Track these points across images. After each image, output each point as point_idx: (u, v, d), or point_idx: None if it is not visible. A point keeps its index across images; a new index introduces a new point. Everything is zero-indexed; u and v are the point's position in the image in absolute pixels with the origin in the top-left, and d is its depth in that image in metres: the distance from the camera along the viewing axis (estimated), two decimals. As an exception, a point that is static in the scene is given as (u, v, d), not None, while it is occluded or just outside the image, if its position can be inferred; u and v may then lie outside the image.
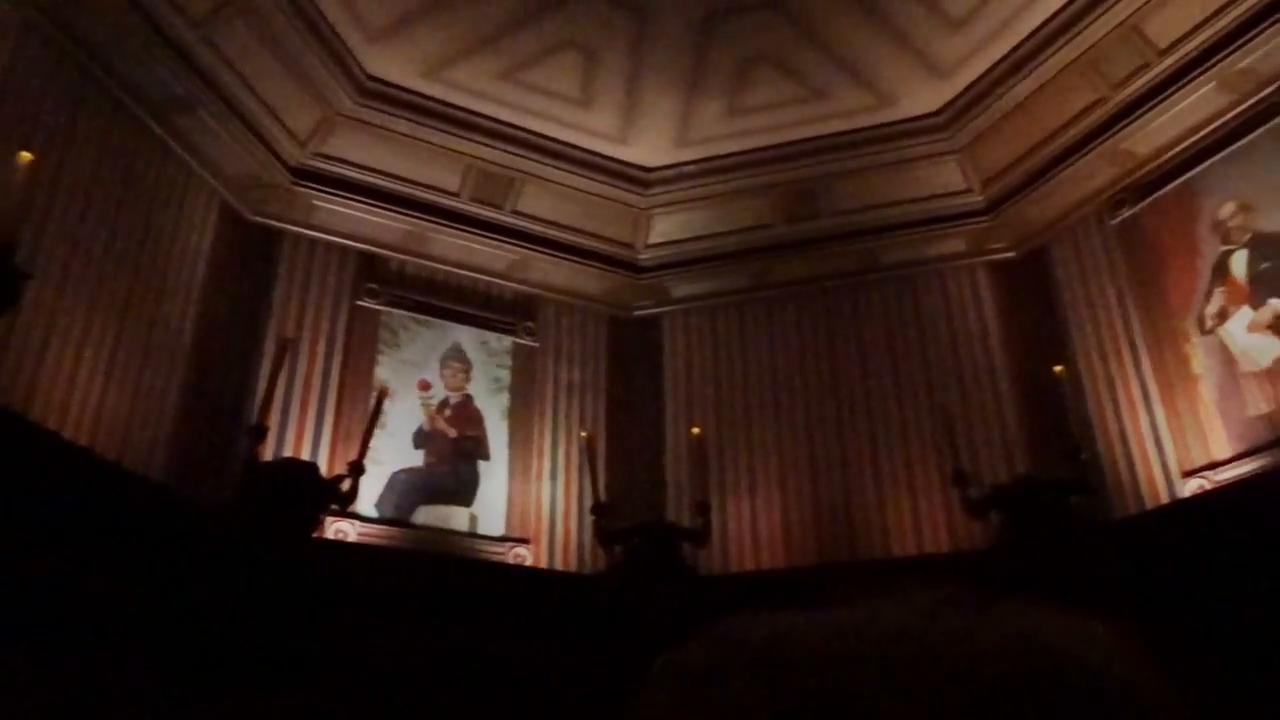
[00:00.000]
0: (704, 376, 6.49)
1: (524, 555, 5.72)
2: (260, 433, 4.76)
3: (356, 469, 4.79)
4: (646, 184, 6.53)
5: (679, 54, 5.60)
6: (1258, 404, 4.69)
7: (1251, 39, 4.78)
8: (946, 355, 6.06)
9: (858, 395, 6.12)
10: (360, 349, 5.80)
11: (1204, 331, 5.01)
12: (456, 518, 5.61)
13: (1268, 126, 4.85)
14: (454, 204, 6.19)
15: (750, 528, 5.96)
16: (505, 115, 6.05)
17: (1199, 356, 5.01)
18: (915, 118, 6.07)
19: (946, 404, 5.59)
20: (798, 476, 6.02)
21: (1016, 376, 5.86)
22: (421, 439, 5.72)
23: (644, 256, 6.74)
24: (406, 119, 5.89)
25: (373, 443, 5.08)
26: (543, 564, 5.80)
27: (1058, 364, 5.19)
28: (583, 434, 5.87)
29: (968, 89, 5.85)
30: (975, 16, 5.38)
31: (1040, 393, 5.45)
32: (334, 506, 4.82)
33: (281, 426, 5.30)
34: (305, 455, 5.28)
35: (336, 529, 5.18)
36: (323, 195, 5.82)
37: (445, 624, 4.82)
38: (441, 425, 5.82)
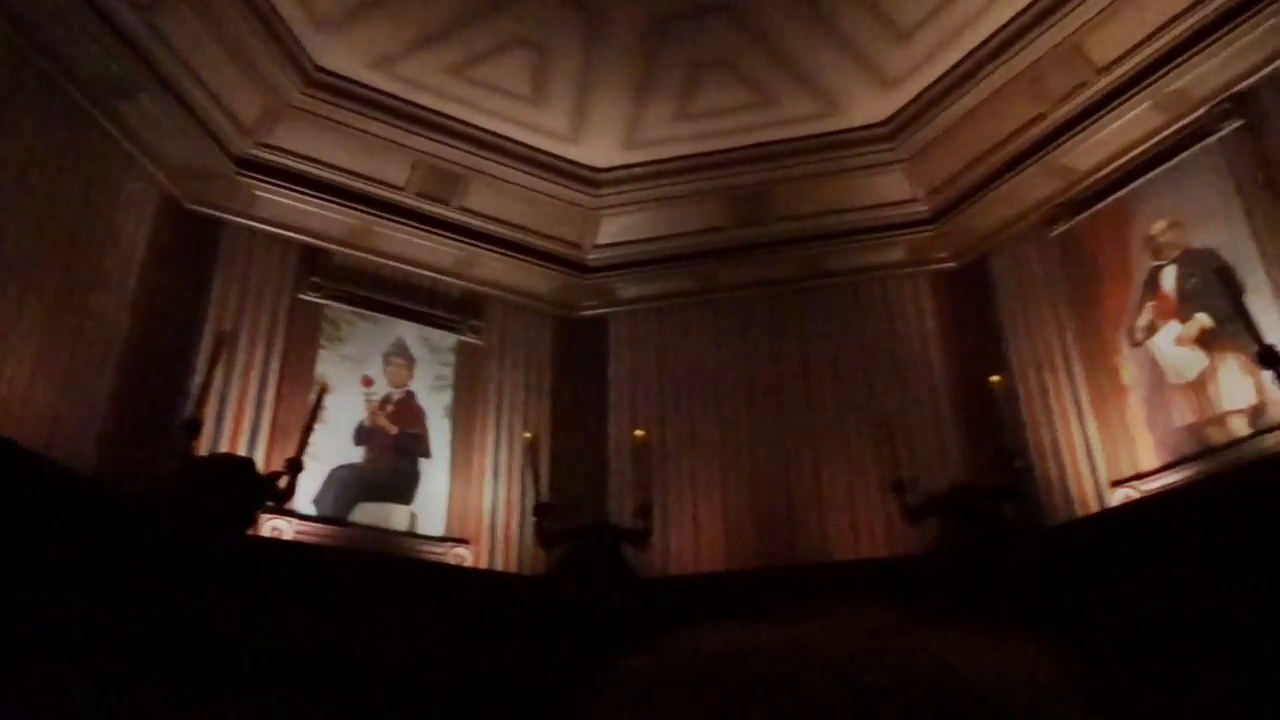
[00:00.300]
0: (649, 379, 6.51)
1: (464, 555, 5.68)
2: (195, 427, 4.67)
3: (294, 466, 4.73)
4: (596, 184, 6.52)
5: (631, 55, 5.60)
6: (1183, 415, 4.83)
7: (1185, 62, 4.92)
8: (887, 363, 6.15)
9: (800, 401, 6.19)
10: (301, 343, 5.72)
11: (1134, 344, 5.15)
12: (396, 515, 5.56)
13: (1198, 147, 5.00)
14: (400, 198, 6.13)
15: (692, 530, 5.99)
16: (455, 111, 6.01)
17: (1129, 368, 5.15)
18: (862, 127, 6.15)
19: (886, 411, 5.68)
20: (739, 480, 6.06)
21: (955, 385, 5.97)
22: (362, 435, 5.66)
23: (592, 257, 6.74)
24: (354, 111, 5.81)
25: (312, 438, 5.02)
26: (483, 564, 5.77)
27: (995, 374, 5.29)
28: (526, 435, 5.86)
29: (914, 100, 5.94)
30: (922, 29, 5.47)
31: (977, 402, 5.55)
32: (270, 503, 4.75)
33: (218, 421, 5.21)
34: (242, 451, 5.19)
35: (272, 526, 5.11)
36: (266, 186, 5.72)
37: (383, 624, 4.78)
38: (383, 421, 5.76)
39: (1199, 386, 4.79)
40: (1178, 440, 4.83)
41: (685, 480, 6.14)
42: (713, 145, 6.30)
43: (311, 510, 5.30)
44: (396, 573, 5.25)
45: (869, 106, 6.02)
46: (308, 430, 4.87)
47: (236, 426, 5.30)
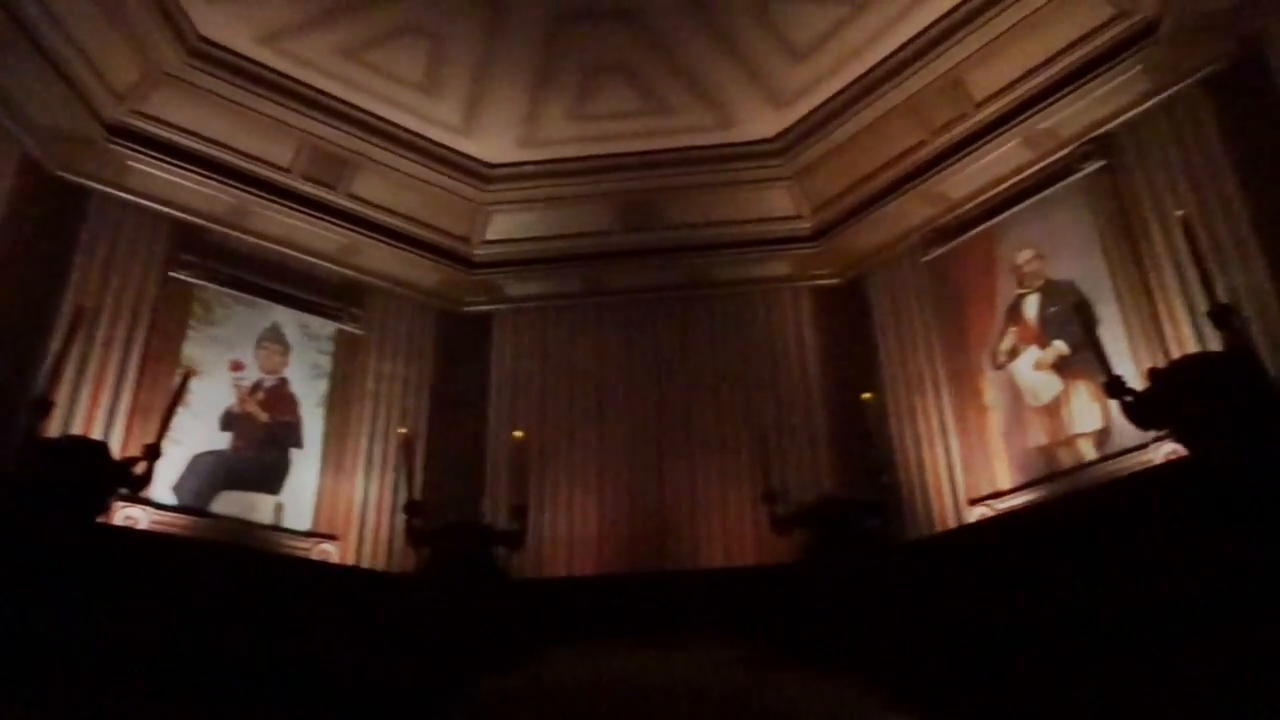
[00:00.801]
0: (531, 379, 6.48)
1: (330, 551, 5.53)
2: (45, 406, 4.39)
3: (152, 452, 4.45)
4: (487, 179, 6.47)
5: (529, 52, 5.58)
6: (1038, 436, 5.11)
7: (1054, 103, 5.23)
8: (766, 374, 6.27)
9: (679, 408, 6.25)
10: (169, 323, 5.48)
11: (996, 367, 5.41)
12: (261, 505, 5.38)
13: (1062, 184, 5.32)
14: (284, 180, 5.94)
15: (566, 533, 5.98)
16: (345, 94, 5.87)
17: (991, 390, 5.41)
18: (753, 141, 6.28)
19: (763, 422, 5.79)
20: (616, 485, 6.08)
21: (830, 400, 6.13)
22: (229, 421, 5.46)
23: (480, 252, 6.67)
24: (238, 86, 5.61)
25: (175, 422, 4.80)
26: (350, 561, 5.62)
27: (869, 390, 5.43)
28: (401, 430, 5.72)
29: (803, 119, 6.11)
30: (815, 52, 5.63)
31: (850, 417, 5.67)
32: (125, 491, 4.50)
33: (72, 401, 4.94)
34: (97, 434, 4.92)
35: (126, 515, 4.88)
36: (139, 156, 5.46)
37: (239, 620, 4.60)
38: (253, 408, 5.57)
39: (1053, 409, 5.07)
40: (1032, 460, 5.10)
41: (562, 483, 6.12)
42: (606, 149, 6.32)
43: (171, 498, 5.08)
44: (257, 567, 5.05)
45: (760, 122, 6.16)
46: (169, 415, 4.60)
47: (93, 407, 5.04)
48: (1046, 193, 5.39)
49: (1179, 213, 4.21)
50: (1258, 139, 4.49)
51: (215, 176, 5.69)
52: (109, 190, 5.44)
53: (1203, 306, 3.83)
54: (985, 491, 5.26)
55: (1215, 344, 3.96)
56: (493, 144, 6.29)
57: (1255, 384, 3.40)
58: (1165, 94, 4.89)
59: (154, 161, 5.50)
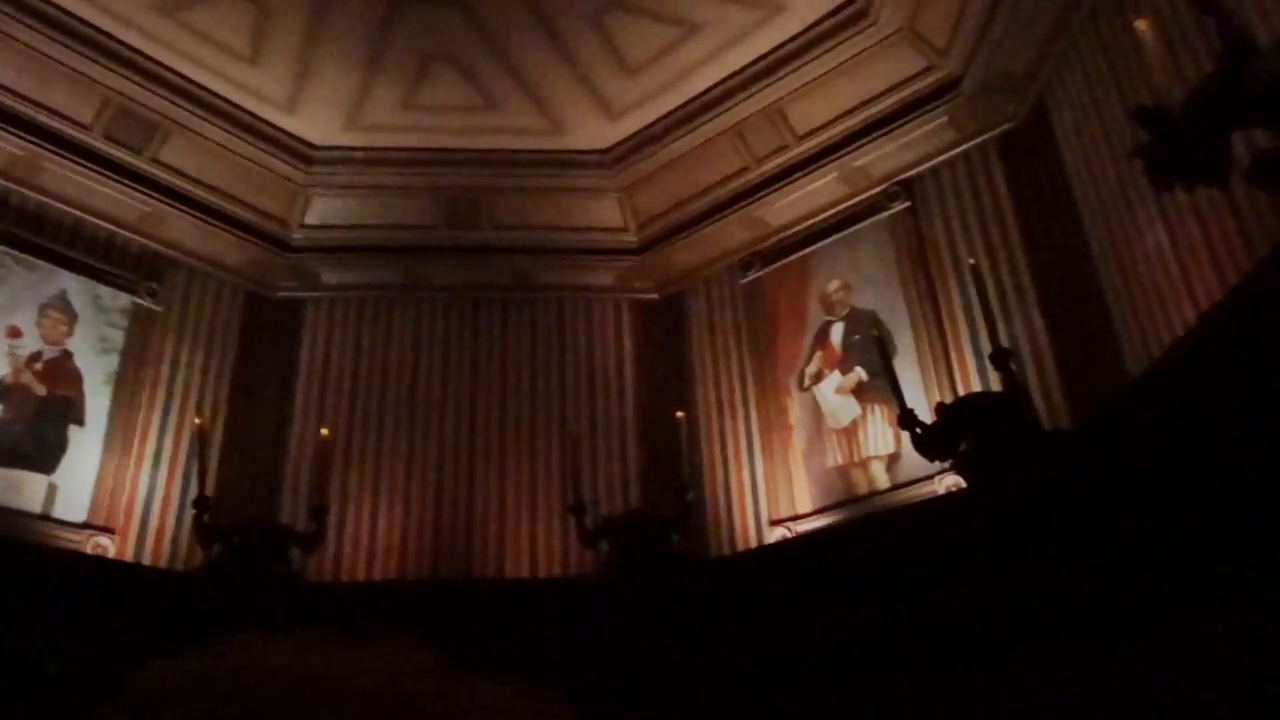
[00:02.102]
0: (341, 372, 6.26)
1: (106, 545, 5.15)
2: None
3: None
4: (309, 160, 6.24)
5: (360, 32, 5.41)
6: (835, 456, 5.38)
7: (868, 143, 5.56)
8: (583, 384, 6.32)
9: (494, 413, 6.20)
10: (-66, 279, 4.97)
11: (802, 389, 5.67)
12: (30, 485, 4.94)
13: (870, 220, 5.65)
14: (83, 137, 5.51)
15: (368, 536, 5.81)
16: (158, 54, 5.50)
17: (795, 410, 5.66)
18: (584, 150, 6.34)
19: (576, 433, 5.79)
20: (423, 488, 5.96)
21: (643, 414, 6.23)
22: (1, 392, 5.00)
23: (297, 236, 6.42)
24: (35, 30, 5.13)
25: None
26: (128, 556, 5.24)
27: (682, 407, 5.56)
28: (196, 420, 5.36)
29: (634, 135, 6.21)
30: (648, 68, 5.74)
31: (661, 433, 5.79)
32: None
33: None
34: None
35: None
36: (-90, 95, 4.95)
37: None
38: (29, 379, 5.12)
39: (851, 432, 5.36)
40: (829, 479, 5.36)
41: (367, 483, 5.93)
42: (435, 141, 6.21)
43: (-77, 471, 4.60)
44: (22, 559, 4.60)
45: (590, 132, 6.21)
46: None
47: None
48: (856, 227, 5.70)
49: (970, 261, 4.53)
50: (1040, 195, 4.89)
51: (4, 126, 5.22)
52: (-125, 129, 4.90)
53: (986, 344, 4.11)
54: (786, 514, 5.47)
55: (995, 382, 4.28)
56: (318, 124, 6.07)
57: (1027, 424, 3.70)
58: (964, 146, 5.29)
59: (-73, 101, 4.99)
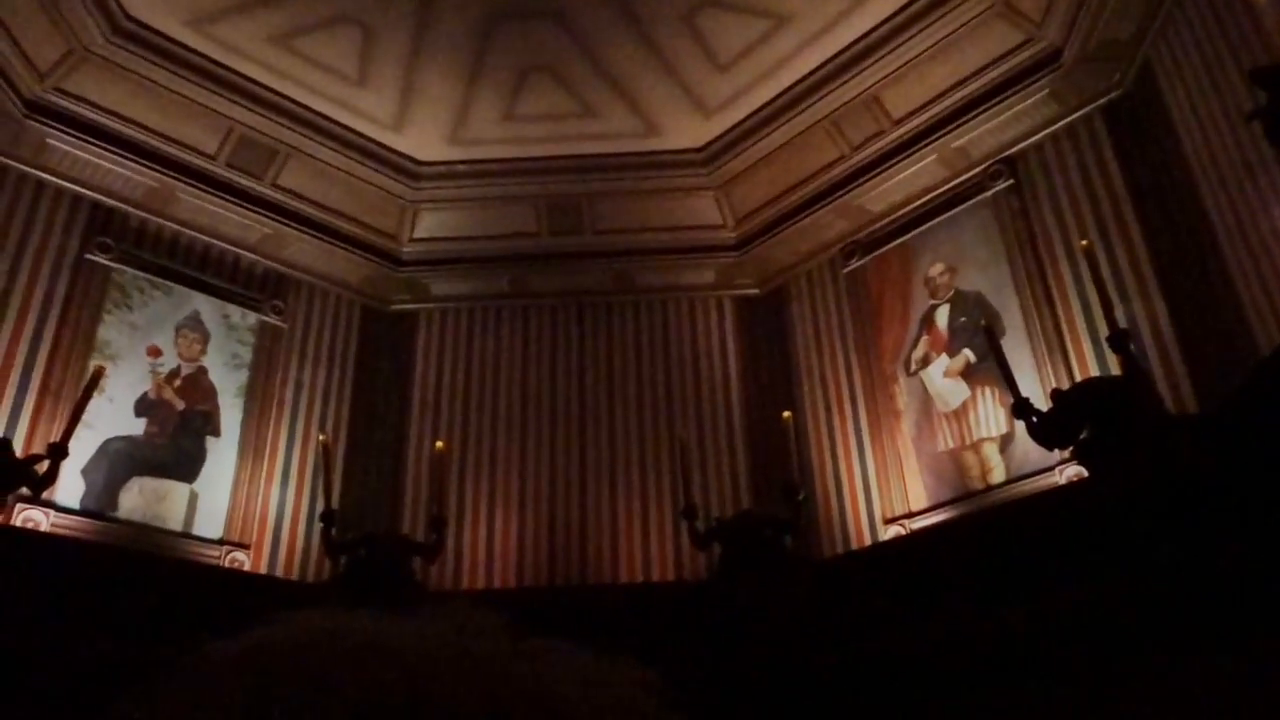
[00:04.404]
0: (454, 381, 6.44)
1: (242, 560, 5.42)
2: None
3: (57, 451, 4.06)
4: (416, 176, 6.47)
5: (460, 50, 5.60)
6: (946, 440, 5.32)
7: (966, 123, 5.47)
8: (689, 384, 6.35)
9: (602, 418, 6.29)
10: (83, 307, 5.33)
11: (909, 374, 5.63)
12: (175, 493, 5.27)
13: (973, 201, 5.56)
14: (209, 166, 5.86)
15: (485, 546, 5.95)
16: (274, 83, 5.82)
17: (903, 396, 5.61)
18: (679, 150, 6.40)
19: (684, 435, 5.81)
20: (537, 497, 6.07)
21: (750, 413, 6.22)
22: (145, 406, 5.35)
23: (407, 250, 6.67)
24: (165, 68, 5.52)
25: (88, 405, 4.65)
26: (262, 570, 5.50)
27: (788, 403, 5.54)
28: (321, 436, 5.54)
29: (729, 130, 6.24)
30: (739, 64, 5.77)
31: (769, 432, 5.77)
32: (25, 490, 4.16)
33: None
34: (3, 419, 4.76)
35: (26, 517, 4.69)
36: (59, 134, 5.31)
37: (140, 630, 4.42)
38: (169, 395, 5.47)
39: (961, 414, 5.29)
40: (941, 464, 5.29)
41: (483, 493, 6.08)
42: (534, 151, 6.37)
43: (80, 482, 4.94)
44: (167, 575, 4.85)
45: (686, 131, 6.27)
46: (78, 413, 4.22)
47: (-1, 391, 4.88)
48: (958, 209, 5.63)
49: (1083, 242, 4.30)
50: (1151, 167, 4.73)
51: (138, 160, 5.58)
52: (24, 167, 5.28)
53: (1101, 324, 3.96)
54: (900, 510, 5.40)
55: (1114, 366, 4.12)
56: (423, 141, 6.30)
57: (1151, 409, 3.49)
58: (1068, 119, 5.15)
59: (74, 140, 5.36)
